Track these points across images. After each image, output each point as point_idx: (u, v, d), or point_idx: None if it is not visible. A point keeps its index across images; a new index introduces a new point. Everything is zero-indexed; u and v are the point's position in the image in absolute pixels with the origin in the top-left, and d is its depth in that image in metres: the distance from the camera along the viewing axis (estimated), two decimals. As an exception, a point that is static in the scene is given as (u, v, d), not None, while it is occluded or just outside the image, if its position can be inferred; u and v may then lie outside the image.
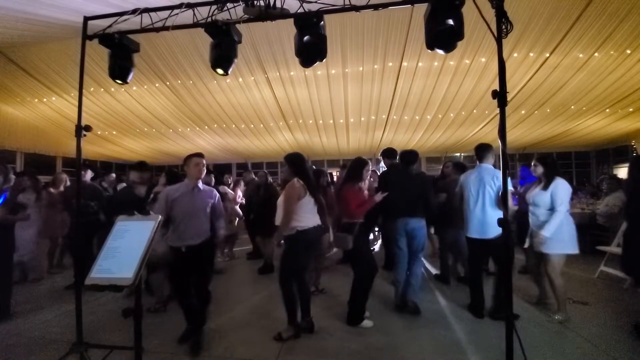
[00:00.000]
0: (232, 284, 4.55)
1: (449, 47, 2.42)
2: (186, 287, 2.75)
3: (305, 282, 2.99)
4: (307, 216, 2.85)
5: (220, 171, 6.29)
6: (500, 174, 3.11)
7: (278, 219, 2.88)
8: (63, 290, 4.15)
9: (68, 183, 5.40)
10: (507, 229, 2.10)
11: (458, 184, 3.59)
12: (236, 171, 15.63)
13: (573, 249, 3.11)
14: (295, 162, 2.96)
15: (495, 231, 3.11)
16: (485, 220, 3.18)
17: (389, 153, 3.91)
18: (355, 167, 3.22)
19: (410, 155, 3.53)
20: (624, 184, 4.56)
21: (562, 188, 3.09)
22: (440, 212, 4.00)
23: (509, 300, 2.07)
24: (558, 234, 3.07)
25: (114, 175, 6.73)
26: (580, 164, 13.85)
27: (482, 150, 3.37)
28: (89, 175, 4.66)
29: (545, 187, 3.16)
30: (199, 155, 2.85)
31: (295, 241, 2.84)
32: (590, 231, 5.50)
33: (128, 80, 2.99)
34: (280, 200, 2.91)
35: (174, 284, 2.80)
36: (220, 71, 2.86)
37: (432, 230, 4.96)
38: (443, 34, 2.32)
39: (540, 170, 3.27)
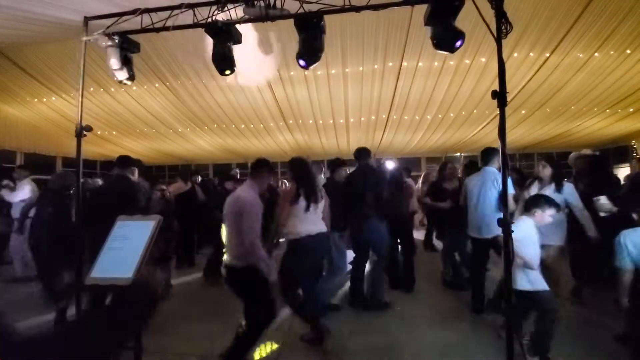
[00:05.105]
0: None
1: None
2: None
3: (313, 290, 2.86)
4: (298, 224, 2.70)
5: (220, 172, 6.26)
6: (500, 177, 3.16)
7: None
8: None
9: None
10: (507, 229, 2.10)
11: (463, 187, 3.76)
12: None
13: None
14: (295, 166, 2.87)
15: (492, 231, 3.13)
16: (484, 220, 3.26)
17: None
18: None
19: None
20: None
21: (573, 191, 3.19)
22: (448, 216, 4.06)
23: (509, 299, 2.07)
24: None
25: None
26: (580, 164, 13.84)
27: (487, 154, 3.50)
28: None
29: (559, 189, 3.19)
30: None
31: (288, 249, 2.78)
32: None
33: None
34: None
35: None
36: (227, 72, 2.88)
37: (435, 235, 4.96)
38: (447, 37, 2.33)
39: (548, 171, 3.30)
